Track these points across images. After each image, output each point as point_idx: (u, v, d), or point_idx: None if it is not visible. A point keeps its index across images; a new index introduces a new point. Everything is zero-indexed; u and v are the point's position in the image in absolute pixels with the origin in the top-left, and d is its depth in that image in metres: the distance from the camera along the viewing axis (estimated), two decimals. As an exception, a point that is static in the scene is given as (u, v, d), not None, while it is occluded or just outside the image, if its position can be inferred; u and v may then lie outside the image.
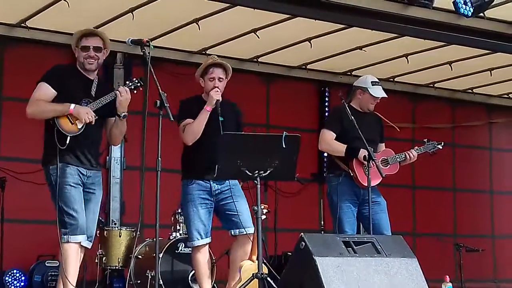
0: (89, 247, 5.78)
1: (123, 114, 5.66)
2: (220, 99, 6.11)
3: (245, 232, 6.17)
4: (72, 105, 5.49)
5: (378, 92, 7.06)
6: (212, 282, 6.46)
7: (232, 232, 6.22)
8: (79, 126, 5.53)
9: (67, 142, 5.49)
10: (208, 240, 6.22)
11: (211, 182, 6.14)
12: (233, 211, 6.16)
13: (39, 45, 8.97)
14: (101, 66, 5.88)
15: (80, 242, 5.56)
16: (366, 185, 6.61)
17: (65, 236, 5.55)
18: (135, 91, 5.67)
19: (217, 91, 6.14)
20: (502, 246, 12.14)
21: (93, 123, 5.56)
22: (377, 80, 7.17)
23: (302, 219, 9.92)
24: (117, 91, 5.61)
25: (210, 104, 6.09)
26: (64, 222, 5.55)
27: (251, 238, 6.21)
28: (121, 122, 5.72)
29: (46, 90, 5.60)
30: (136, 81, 5.70)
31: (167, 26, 8.78)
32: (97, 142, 5.80)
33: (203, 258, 6.24)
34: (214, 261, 7.60)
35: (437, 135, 7.50)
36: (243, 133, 6.05)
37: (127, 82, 5.73)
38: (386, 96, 7.10)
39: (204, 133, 6.07)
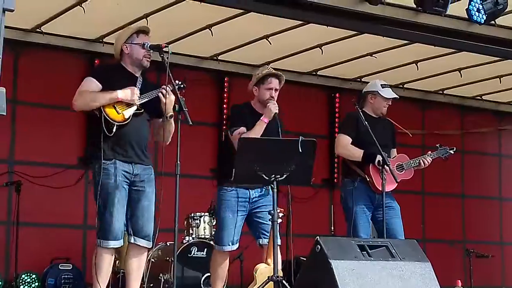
0: (149, 247, 5.76)
1: (169, 114, 5.64)
2: (277, 112, 6.16)
3: (279, 242, 6.15)
4: (119, 91, 5.50)
5: (389, 93, 7.13)
6: (224, 286, 6.52)
7: (260, 242, 6.28)
8: (126, 116, 5.54)
9: (114, 130, 5.47)
10: (236, 247, 6.28)
11: (250, 191, 6.21)
12: (265, 219, 6.17)
13: (54, 51, 9.04)
14: None
15: (113, 248, 5.54)
16: (382, 190, 6.68)
17: (98, 240, 5.53)
18: (178, 92, 5.60)
19: (275, 104, 6.20)
20: (511, 252, 12.16)
21: (140, 110, 5.58)
22: (386, 83, 7.26)
23: (312, 224, 9.95)
24: (161, 92, 5.62)
25: (268, 117, 6.15)
26: (99, 225, 5.52)
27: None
28: (168, 122, 5.69)
29: (91, 83, 5.58)
30: (180, 82, 5.65)
31: (179, 32, 8.85)
32: (145, 137, 5.75)
33: (224, 262, 6.32)
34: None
35: (446, 142, 7.53)
36: (260, 137, 6.10)
37: (169, 85, 5.65)
38: (398, 97, 7.17)
39: None
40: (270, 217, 6.06)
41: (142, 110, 5.64)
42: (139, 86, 5.71)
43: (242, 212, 6.24)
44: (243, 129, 6.17)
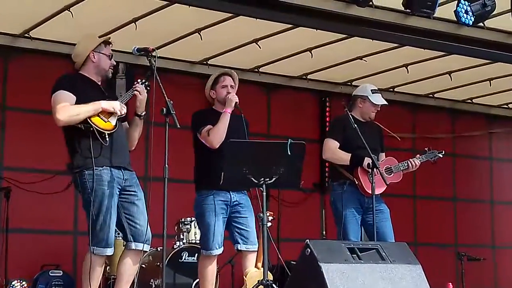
0: (147, 250, 5.82)
1: (143, 113, 5.70)
2: (238, 101, 6.27)
3: (252, 249, 6.29)
4: (102, 102, 5.50)
5: (379, 99, 7.15)
6: None
7: (239, 247, 6.31)
8: (113, 123, 5.54)
9: (107, 138, 5.47)
10: (222, 250, 6.32)
11: (231, 193, 6.24)
12: (243, 225, 6.28)
13: (42, 56, 9.01)
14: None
15: (106, 256, 5.56)
16: (371, 193, 6.68)
17: (91, 247, 5.51)
18: (147, 88, 5.70)
19: (234, 94, 6.33)
20: (503, 256, 12.17)
21: (122, 117, 5.60)
22: (376, 88, 7.27)
23: (303, 228, 9.95)
24: (136, 91, 5.65)
25: (230, 106, 6.26)
26: (92, 233, 5.50)
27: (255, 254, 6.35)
28: (140, 122, 5.76)
29: (67, 97, 5.49)
30: (145, 80, 5.72)
31: (169, 36, 8.84)
32: (126, 143, 5.78)
33: (213, 267, 6.34)
34: (218, 270, 7.65)
35: (437, 145, 7.55)
36: (248, 140, 6.11)
37: (140, 81, 5.74)
38: (387, 103, 7.18)
39: (226, 138, 6.16)
40: (250, 223, 6.17)
41: (124, 115, 5.65)
42: (106, 93, 5.74)
43: (223, 214, 6.27)
44: (209, 126, 6.25)
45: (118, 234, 9.09)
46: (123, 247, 7.41)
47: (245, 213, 6.31)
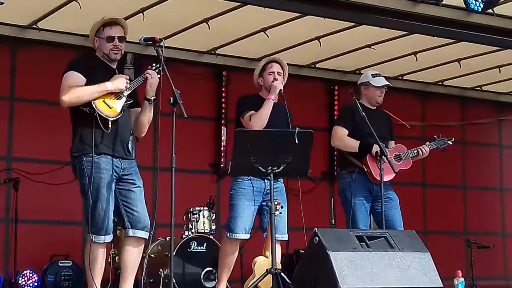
0: (147, 238, 5.74)
1: (153, 97, 5.61)
2: (283, 89, 6.30)
3: (280, 239, 6.25)
4: (108, 83, 5.44)
5: (380, 81, 7.15)
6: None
7: (265, 235, 6.32)
8: (118, 110, 5.48)
9: (110, 125, 5.43)
10: (248, 236, 6.30)
11: (265, 181, 6.18)
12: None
13: (50, 47, 9.02)
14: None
15: (105, 243, 5.53)
16: (380, 180, 6.67)
17: (90, 235, 5.49)
18: (159, 75, 5.60)
19: (279, 82, 6.34)
20: (513, 243, 12.17)
21: (128, 104, 5.54)
22: (377, 72, 7.30)
23: (312, 217, 9.80)
24: (147, 74, 5.58)
25: (274, 94, 6.29)
26: (90, 221, 5.47)
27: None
28: (150, 107, 5.66)
29: (76, 77, 5.47)
30: (157, 65, 5.61)
31: (177, 26, 8.84)
32: (129, 130, 5.74)
33: (235, 252, 6.34)
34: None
35: (447, 133, 7.52)
36: (256, 129, 6.10)
37: (152, 64, 5.66)
38: (390, 84, 7.20)
39: (267, 126, 6.18)
40: (282, 213, 6.16)
41: (131, 100, 5.59)
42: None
43: (257, 202, 6.27)
44: (252, 111, 6.26)
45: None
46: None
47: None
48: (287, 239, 6.42)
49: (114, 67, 5.73)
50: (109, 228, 5.53)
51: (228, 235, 6.30)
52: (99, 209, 5.48)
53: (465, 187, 12.06)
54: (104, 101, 5.45)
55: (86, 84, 5.46)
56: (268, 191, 6.18)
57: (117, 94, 5.52)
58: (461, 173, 12.05)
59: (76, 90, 5.41)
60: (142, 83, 5.63)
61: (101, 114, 5.41)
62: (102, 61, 5.70)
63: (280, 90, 6.30)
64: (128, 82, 5.54)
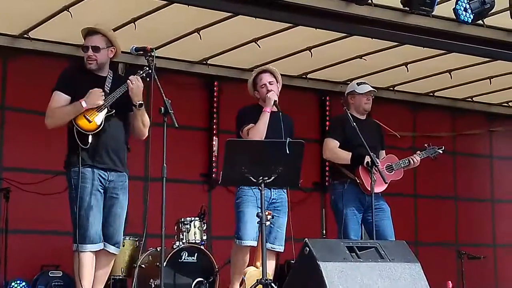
0: (117, 253, 5.80)
1: (138, 102, 5.63)
2: (277, 100, 6.33)
3: (276, 249, 6.32)
4: (82, 101, 5.49)
5: (365, 88, 7.22)
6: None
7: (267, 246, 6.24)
8: (98, 122, 5.53)
9: (89, 141, 5.49)
10: (256, 243, 6.28)
11: (271, 191, 6.27)
12: (274, 225, 6.28)
13: (41, 56, 9.01)
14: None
15: (89, 251, 5.53)
16: (375, 191, 6.70)
17: (74, 245, 5.52)
18: (147, 79, 5.61)
19: (273, 93, 6.36)
20: (503, 254, 12.13)
21: (112, 114, 5.58)
22: (362, 81, 7.40)
23: (304, 228, 9.86)
24: (128, 80, 5.60)
25: (269, 105, 6.32)
26: (75, 230, 5.51)
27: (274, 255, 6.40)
28: (139, 112, 5.68)
29: (59, 98, 5.60)
30: (147, 68, 5.62)
31: (168, 36, 8.84)
32: (121, 141, 5.75)
33: (246, 258, 6.34)
34: (217, 269, 7.67)
35: (437, 144, 7.56)
36: (246, 139, 6.12)
37: (138, 71, 5.68)
38: (375, 90, 7.26)
39: (266, 137, 6.22)
40: (280, 224, 6.22)
41: (113, 111, 5.61)
42: (108, 85, 5.70)
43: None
44: (251, 124, 6.32)
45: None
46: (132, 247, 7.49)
47: (278, 213, 6.34)
48: (283, 251, 6.42)
49: (104, 74, 5.75)
50: (94, 237, 5.54)
51: (237, 242, 6.30)
52: (82, 218, 5.50)
53: (456, 198, 12.07)
54: (84, 116, 5.52)
55: (73, 98, 5.55)
56: (273, 200, 6.25)
57: (98, 107, 5.56)
58: (452, 184, 12.06)
59: (55, 114, 5.57)
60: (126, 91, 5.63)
61: (79, 129, 5.49)
62: (91, 72, 5.74)
63: (275, 101, 6.33)
64: (104, 95, 5.55)
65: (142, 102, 5.65)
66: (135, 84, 5.59)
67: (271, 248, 6.32)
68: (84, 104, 5.50)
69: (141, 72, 5.65)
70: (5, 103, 9.01)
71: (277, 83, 6.52)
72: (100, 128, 5.55)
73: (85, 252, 5.52)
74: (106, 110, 5.58)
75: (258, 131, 6.24)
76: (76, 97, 5.56)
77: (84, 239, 5.50)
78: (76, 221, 5.51)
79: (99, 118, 5.55)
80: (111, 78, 5.76)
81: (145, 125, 5.79)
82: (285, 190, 6.41)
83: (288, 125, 6.44)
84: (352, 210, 6.99)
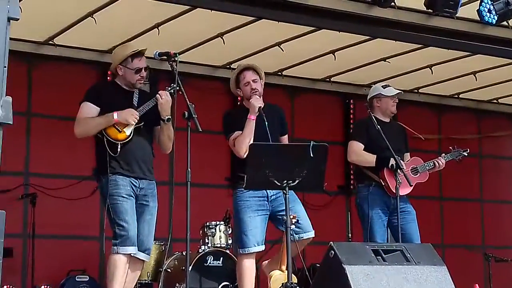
0: (147, 260, 5.90)
1: (166, 117, 5.71)
2: (262, 105, 6.09)
3: (306, 237, 6.17)
4: (115, 113, 5.61)
5: (392, 91, 7.22)
6: None
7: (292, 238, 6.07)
8: (128, 132, 5.66)
9: (118, 149, 5.61)
10: (263, 248, 6.12)
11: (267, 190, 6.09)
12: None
13: (66, 62, 9.08)
14: None
15: (130, 254, 5.62)
16: (400, 193, 6.69)
17: (115, 247, 5.60)
18: (174, 95, 5.69)
19: (258, 98, 6.12)
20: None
21: (141, 127, 5.70)
22: (386, 83, 7.37)
23: (329, 231, 9.86)
24: (157, 95, 5.69)
25: (253, 113, 6.06)
26: (115, 233, 5.60)
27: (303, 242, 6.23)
28: (166, 126, 5.77)
29: (89, 109, 5.72)
30: (174, 85, 5.67)
31: (191, 41, 8.87)
32: (148, 151, 5.85)
33: (252, 267, 6.13)
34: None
35: (463, 146, 7.54)
36: (271, 143, 6.07)
37: (166, 87, 5.77)
38: (402, 92, 7.25)
39: (254, 141, 6.00)
40: (298, 212, 6.08)
41: (142, 123, 5.72)
42: (136, 100, 5.84)
43: (263, 211, 6.13)
44: (237, 133, 6.11)
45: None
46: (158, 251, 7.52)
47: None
48: (313, 235, 6.26)
49: (132, 90, 5.90)
50: (134, 239, 5.63)
51: (240, 251, 6.12)
52: (122, 222, 5.60)
53: (483, 200, 12.00)
54: (114, 125, 5.66)
55: (102, 111, 5.68)
56: (274, 197, 6.16)
57: None
58: (478, 186, 12.00)
59: (85, 122, 5.69)
60: (155, 105, 5.73)
61: (109, 139, 5.61)
62: (119, 86, 5.88)
63: (260, 107, 6.07)
64: (137, 117, 5.66)
65: (170, 117, 5.74)
66: (164, 99, 5.68)
67: (299, 238, 6.10)
68: (115, 116, 5.62)
69: (169, 88, 5.73)
70: (31, 109, 9.06)
71: (260, 80, 6.26)
72: (130, 138, 5.68)
73: (123, 254, 5.59)
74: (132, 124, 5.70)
75: (244, 141, 5.99)
76: (105, 110, 5.69)
77: (126, 241, 5.59)
78: (114, 227, 5.61)
79: (128, 129, 5.68)
80: (137, 93, 5.91)
81: (170, 139, 5.87)
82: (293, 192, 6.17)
83: (278, 118, 6.30)
84: (378, 213, 6.98)
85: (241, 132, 6.08)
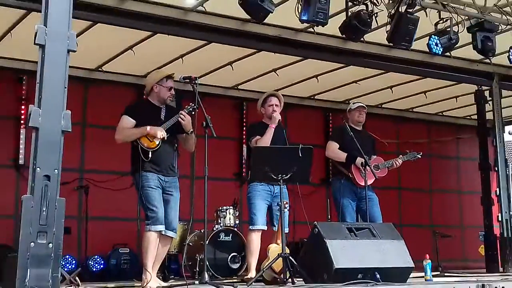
0: (175, 237, 5.91)
1: (190, 131, 5.76)
2: (281, 119, 6.38)
3: (287, 231, 6.25)
4: (148, 127, 5.62)
5: (356, 104, 7.28)
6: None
7: (274, 228, 6.34)
8: (157, 142, 5.66)
9: (150, 155, 5.62)
10: (266, 227, 6.34)
11: (274, 186, 6.23)
12: (277, 212, 6.19)
13: (111, 84, 9.07)
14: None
15: (160, 231, 5.61)
16: (363, 184, 6.70)
17: (148, 226, 5.61)
18: (193, 113, 5.73)
19: (277, 113, 6.41)
20: (469, 233, 11.97)
21: (165, 139, 5.67)
22: (357, 101, 7.48)
23: (313, 213, 9.79)
24: (179, 116, 5.70)
25: (274, 123, 6.35)
26: (147, 216, 5.62)
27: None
28: (190, 137, 5.81)
29: (127, 121, 5.74)
30: (193, 105, 5.73)
31: (208, 68, 8.86)
32: (172, 154, 5.83)
33: (258, 239, 6.33)
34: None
35: (416, 148, 7.55)
36: (270, 146, 6.14)
37: (186, 107, 5.79)
38: (364, 105, 7.29)
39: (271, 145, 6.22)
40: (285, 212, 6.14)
41: (168, 135, 5.72)
42: (164, 114, 5.85)
43: (267, 202, 6.32)
44: (258, 136, 6.33)
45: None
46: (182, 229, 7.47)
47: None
48: (287, 232, 6.36)
49: (162, 107, 5.88)
50: (162, 219, 5.63)
51: (251, 227, 6.31)
52: (153, 207, 5.61)
53: (431, 191, 11.97)
54: (147, 136, 5.66)
55: (137, 124, 5.69)
56: (276, 194, 6.22)
57: None
58: (428, 179, 11.96)
59: (125, 132, 5.72)
60: (177, 121, 5.74)
61: (142, 147, 5.61)
62: (151, 103, 5.87)
63: (279, 120, 6.37)
64: (164, 134, 5.67)
65: (193, 130, 5.77)
66: (186, 120, 5.71)
67: (276, 230, 6.28)
68: (148, 128, 5.63)
69: (189, 107, 5.75)
70: (86, 121, 9.06)
71: (280, 106, 6.56)
72: (159, 146, 5.66)
73: (154, 231, 5.60)
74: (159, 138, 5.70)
75: (265, 142, 6.26)
76: (138, 121, 5.71)
77: (156, 221, 5.60)
78: (146, 210, 5.63)
79: (157, 139, 5.68)
80: (164, 109, 5.89)
81: (193, 144, 5.89)
82: (285, 186, 6.31)
83: (284, 134, 6.45)
84: (348, 200, 7.00)
85: (259, 136, 6.31)
